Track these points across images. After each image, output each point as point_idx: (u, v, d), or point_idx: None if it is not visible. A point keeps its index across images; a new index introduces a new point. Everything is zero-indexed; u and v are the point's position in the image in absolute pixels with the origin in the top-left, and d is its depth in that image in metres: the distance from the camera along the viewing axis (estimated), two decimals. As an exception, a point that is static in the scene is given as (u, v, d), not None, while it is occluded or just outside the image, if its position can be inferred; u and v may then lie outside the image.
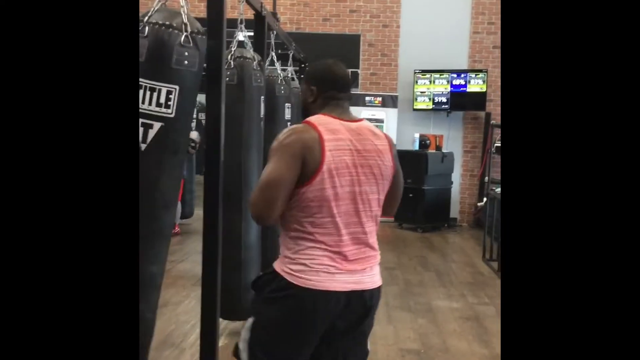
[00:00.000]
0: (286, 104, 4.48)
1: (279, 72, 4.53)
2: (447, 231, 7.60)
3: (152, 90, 2.02)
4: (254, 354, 1.77)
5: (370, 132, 1.79)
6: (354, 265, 1.73)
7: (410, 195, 7.45)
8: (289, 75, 5.52)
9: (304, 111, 1.94)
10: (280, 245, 1.81)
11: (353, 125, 1.77)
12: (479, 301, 4.41)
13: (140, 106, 1.99)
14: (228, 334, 3.50)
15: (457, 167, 8.02)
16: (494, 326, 3.79)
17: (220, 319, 3.30)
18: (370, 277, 1.77)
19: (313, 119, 1.76)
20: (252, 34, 3.89)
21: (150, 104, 2.03)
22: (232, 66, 3.12)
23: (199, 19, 2.30)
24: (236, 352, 1.84)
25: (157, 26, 2.01)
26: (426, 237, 7.08)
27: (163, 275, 2.21)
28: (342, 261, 1.71)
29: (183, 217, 6.47)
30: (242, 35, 3.25)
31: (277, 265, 1.77)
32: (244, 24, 3.30)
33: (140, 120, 2.01)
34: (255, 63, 3.22)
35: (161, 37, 2.01)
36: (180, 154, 2.20)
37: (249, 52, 3.23)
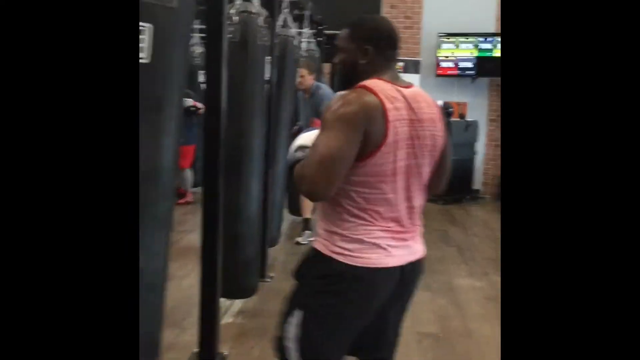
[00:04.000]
0: (298, 69, 4.20)
1: (294, 33, 4.22)
2: (469, 203, 7.28)
3: None
4: (304, 352, 1.61)
5: (423, 99, 1.63)
6: (408, 239, 1.63)
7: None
8: (304, 37, 5.21)
9: (349, 74, 1.66)
10: (321, 223, 1.64)
11: (407, 91, 1.60)
12: (503, 279, 4.15)
13: None
14: (234, 314, 3.29)
15: (482, 136, 7.66)
16: (520, 308, 3.52)
17: (224, 299, 3.10)
18: (419, 246, 1.70)
19: (370, 84, 1.56)
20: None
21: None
22: (235, 21, 2.83)
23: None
24: (281, 351, 1.66)
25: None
26: (447, 210, 6.77)
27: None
28: (397, 235, 1.60)
29: (196, 185, 6.20)
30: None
31: (322, 247, 1.60)
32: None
33: None
34: (261, 19, 2.92)
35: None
36: (167, 111, 1.85)
37: (255, 6, 2.93)
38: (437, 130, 1.64)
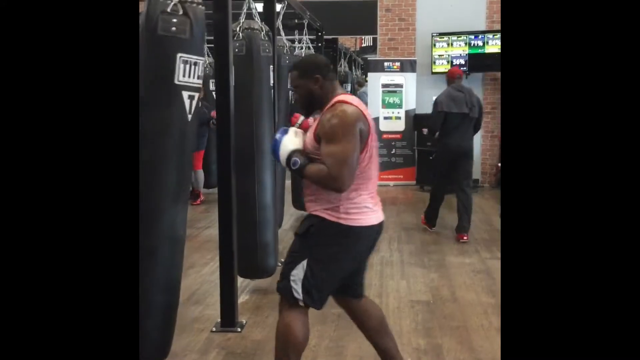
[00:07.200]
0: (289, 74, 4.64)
1: (285, 41, 4.66)
2: (468, 192, 7.67)
3: (196, 64, 2.18)
4: (306, 288, 2.14)
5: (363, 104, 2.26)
6: (379, 205, 2.25)
7: (431, 157, 7.55)
8: (304, 44, 5.66)
9: (309, 102, 2.23)
10: (320, 201, 2.17)
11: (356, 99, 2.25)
12: (491, 255, 4.55)
13: (187, 80, 2.16)
14: (250, 291, 3.73)
15: (478, 128, 8.04)
16: (504, 279, 3.93)
17: (243, 278, 3.53)
18: (382, 212, 2.29)
19: (343, 98, 2.15)
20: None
21: (196, 77, 2.19)
22: (241, 37, 3.28)
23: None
24: (285, 290, 2.17)
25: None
26: (446, 199, 7.17)
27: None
28: (375, 201, 2.23)
29: (207, 186, 6.64)
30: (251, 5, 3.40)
31: (327, 215, 2.15)
32: (252, -4, 3.44)
33: (187, 93, 2.17)
34: (263, 33, 3.37)
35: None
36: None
37: (257, 22, 3.38)
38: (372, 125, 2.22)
